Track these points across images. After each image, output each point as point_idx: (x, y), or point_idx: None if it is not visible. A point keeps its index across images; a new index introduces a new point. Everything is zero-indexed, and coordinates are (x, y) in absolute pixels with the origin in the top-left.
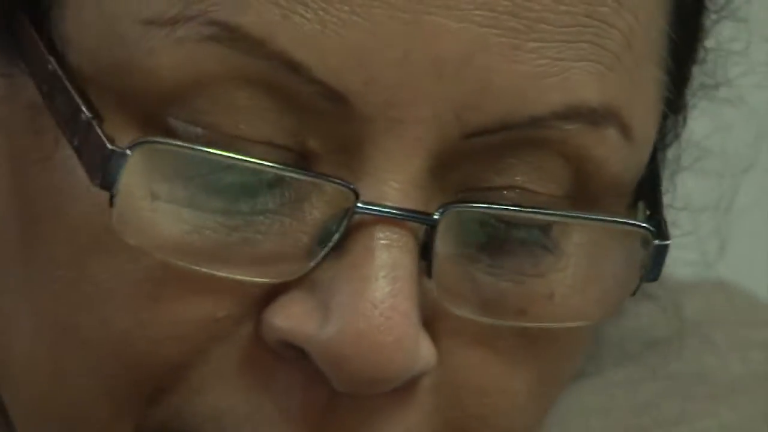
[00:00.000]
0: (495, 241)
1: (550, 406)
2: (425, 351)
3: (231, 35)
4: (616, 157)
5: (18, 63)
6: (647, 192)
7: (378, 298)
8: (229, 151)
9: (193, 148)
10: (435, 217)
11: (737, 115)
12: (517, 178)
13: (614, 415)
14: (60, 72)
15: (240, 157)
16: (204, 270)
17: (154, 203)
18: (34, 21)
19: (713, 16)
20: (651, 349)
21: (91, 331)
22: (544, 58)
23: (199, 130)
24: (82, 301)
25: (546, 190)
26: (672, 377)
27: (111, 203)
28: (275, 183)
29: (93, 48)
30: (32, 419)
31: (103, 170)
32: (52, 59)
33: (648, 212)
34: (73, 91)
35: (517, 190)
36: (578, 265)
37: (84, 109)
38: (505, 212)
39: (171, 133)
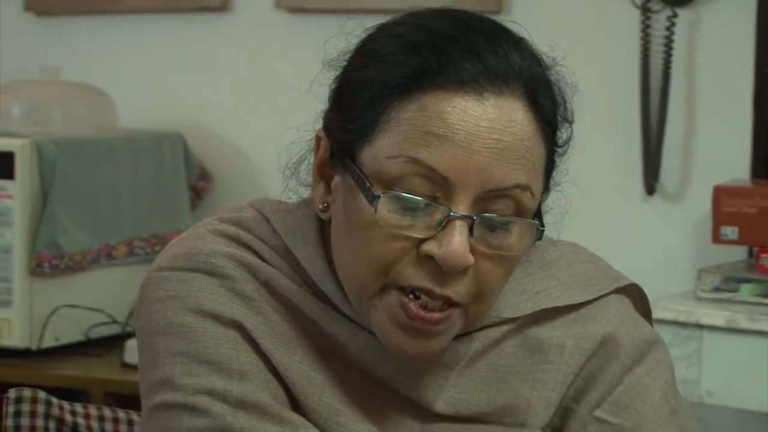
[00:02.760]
0: (493, 226)
1: (507, 281)
2: (470, 258)
3: (413, 161)
4: (530, 203)
5: (346, 170)
6: (538, 212)
7: (457, 242)
8: (414, 195)
9: (402, 195)
10: (474, 218)
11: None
12: (500, 206)
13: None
14: (360, 173)
15: (418, 198)
16: (402, 232)
17: (387, 213)
18: (351, 157)
19: (559, 162)
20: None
21: (364, 251)
22: (510, 165)
23: (403, 189)
24: (364, 242)
25: (508, 210)
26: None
27: (375, 211)
28: (426, 206)
29: (371, 164)
30: (347, 283)
31: (372, 200)
32: (357, 169)
33: (537, 218)
34: (365, 179)
35: (500, 210)
36: (518, 233)
37: (368, 184)
38: (497, 218)
39: (393, 191)
